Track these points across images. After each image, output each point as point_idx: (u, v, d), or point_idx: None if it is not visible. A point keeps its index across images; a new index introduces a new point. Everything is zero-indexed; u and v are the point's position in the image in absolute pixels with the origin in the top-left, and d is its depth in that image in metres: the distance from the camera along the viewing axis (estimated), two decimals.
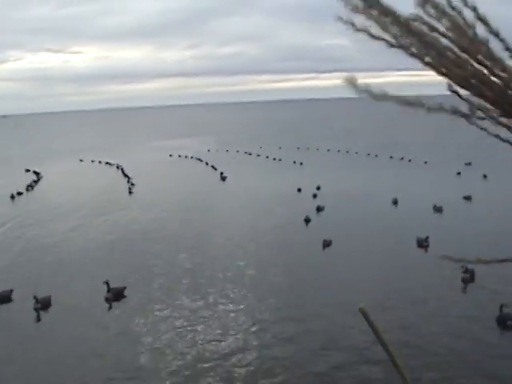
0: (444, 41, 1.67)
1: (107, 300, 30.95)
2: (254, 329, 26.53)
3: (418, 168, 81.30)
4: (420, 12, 1.66)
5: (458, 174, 73.48)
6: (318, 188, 63.59)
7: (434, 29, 1.68)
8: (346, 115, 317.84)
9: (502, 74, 1.66)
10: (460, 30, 1.66)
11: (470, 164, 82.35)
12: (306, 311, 28.39)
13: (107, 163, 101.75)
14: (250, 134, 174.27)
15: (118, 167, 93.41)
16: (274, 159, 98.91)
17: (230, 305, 29.73)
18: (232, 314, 28.43)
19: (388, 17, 1.69)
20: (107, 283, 31.37)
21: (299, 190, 63.19)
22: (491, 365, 22.05)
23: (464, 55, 1.68)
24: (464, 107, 1.80)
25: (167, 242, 43.28)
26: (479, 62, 1.66)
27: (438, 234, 40.91)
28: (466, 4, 1.67)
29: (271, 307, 29.14)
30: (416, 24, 1.67)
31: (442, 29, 1.67)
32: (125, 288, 31.98)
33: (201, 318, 27.92)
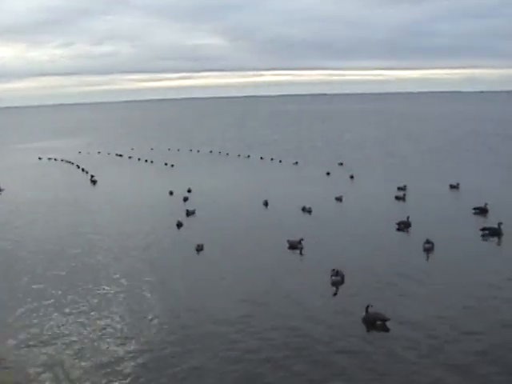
0: None
1: None
2: (120, 334, 26.08)
3: (288, 169, 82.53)
4: None
5: (328, 174, 75.04)
6: (189, 191, 63.41)
7: None
8: (220, 114, 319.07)
9: None
10: None
11: (341, 164, 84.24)
12: (178, 315, 28.14)
13: None
14: (122, 134, 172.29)
15: None
16: (146, 161, 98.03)
17: (95, 314, 29.00)
18: (98, 323, 27.80)
19: None
20: None
21: (171, 192, 62.76)
22: (358, 368, 22.54)
23: None
24: None
25: (31, 248, 42.07)
26: None
27: (308, 235, 41.38)
28: None
29: (140, 315, 28.70)
30: None
31: None
32: None
33: (62, 330, 27.13)
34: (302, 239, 39.72)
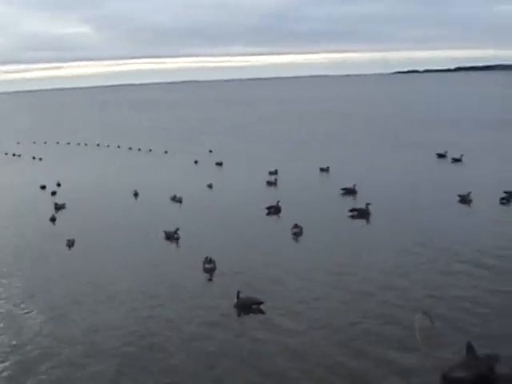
0: None
1: None
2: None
3: (157, 158, 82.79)
4: None
5: (196, 162, 75.54)
6: (59, 184, 62.14)
7: None
8: (87, 104, 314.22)
9: None
10: None
11: (211, 152, 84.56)
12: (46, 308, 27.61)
13: None
14: None
15: None
16: (14, 155, 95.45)
17: None
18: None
19: None
20: None
21: (43, 187, 61.26)
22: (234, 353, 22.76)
23: None
24: None
25: None
26: None
27: (181, 224, 41.15)
28: None
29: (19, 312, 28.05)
30: None
31: None
32: None
33: None
34: (178, 229, 39.64)
